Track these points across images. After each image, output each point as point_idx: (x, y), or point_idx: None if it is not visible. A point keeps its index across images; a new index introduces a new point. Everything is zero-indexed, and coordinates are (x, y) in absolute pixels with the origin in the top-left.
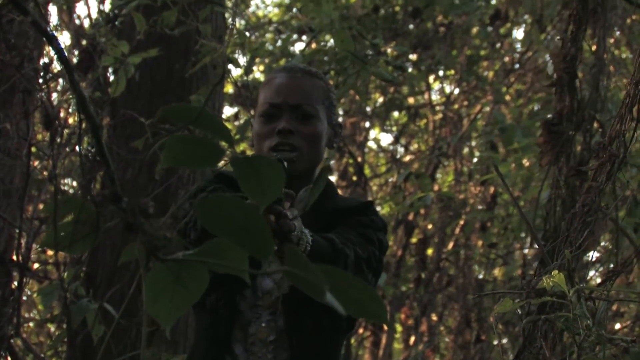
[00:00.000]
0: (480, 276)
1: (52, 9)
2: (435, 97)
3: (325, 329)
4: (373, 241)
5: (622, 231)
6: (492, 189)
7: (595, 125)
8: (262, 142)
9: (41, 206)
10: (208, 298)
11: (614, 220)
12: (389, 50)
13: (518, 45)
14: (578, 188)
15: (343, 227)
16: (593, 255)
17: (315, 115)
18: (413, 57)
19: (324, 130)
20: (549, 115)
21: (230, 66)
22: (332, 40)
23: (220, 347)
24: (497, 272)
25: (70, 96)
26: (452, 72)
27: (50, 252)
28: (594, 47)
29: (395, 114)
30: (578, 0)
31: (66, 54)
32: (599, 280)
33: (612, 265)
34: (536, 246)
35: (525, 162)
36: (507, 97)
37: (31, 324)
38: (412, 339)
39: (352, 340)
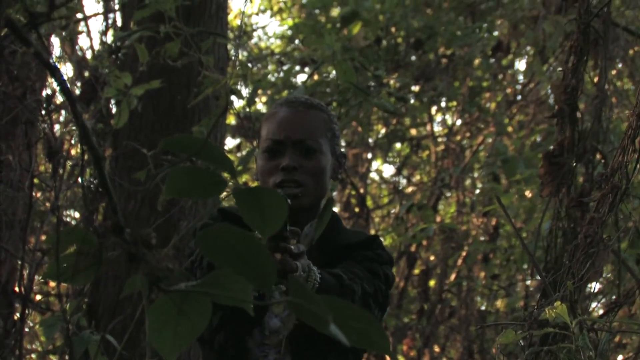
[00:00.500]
0: (483, 307)
1: (55, 41)
2: (437, 128)
3: None
4: (379, 275)
5: (624, 263)
6: (494, 221)
7: (598, 156)
8: (266, 178)
9: (43, 237)
10: (217, 337)
11: (615, 252)
12: (391, 82)
13: (520, 77)
14: (579, 219)
15: (349, 261)
16: (595, 286)
17: (319, 150)
18: (415, 88)
19: (328, 163)
20: (550, 147)
21: (232, 97)
22: (334, 72)
23: None
24: (499, 303)
25: (73, 128)
26: (454, 103)
27: (52, 284)
28: (596, 79)
29: (398, 145)
30: (579, 31)
31: (69, 85)
32: (601, 312)
33: (614, 297)
34: (538, 277)
35: (528, 194)
36: (510, 129)
37: (33, 356)
38: None
39: None
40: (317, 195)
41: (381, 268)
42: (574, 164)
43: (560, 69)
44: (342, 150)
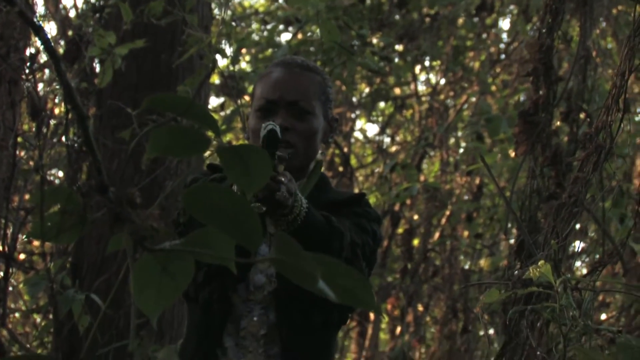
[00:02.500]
0: (467, 266)
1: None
2: (421, 87)
3: (315, 324)
4: (367, 231)
5: (604, 230)
6: (478, 180)
7: (582, 115)
8: (257, 138)
9: (27, 196)
10: (201, 292)
11: (596, 218)
12: (375, 41)
13: (504, 36)
14: (554, 177)
15: (337, 217)
16: (579, 245)
17: (312, 112)
18: (399, 47)
19: (320, 126)
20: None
21: (216, 56)
22: (318, 31)
23: (212, 341)
24: (483, 262)
25: (57, 86)
26: (438, 62)
27: (36, 243)
28: (580, 38)
29: (382, 104)
30: None
31: (53, 44)
32: (585, 271)
33: (598, 256)
34: (513, 235)
35: (511, 153)
36: (493, 88)
37: (17, 315)
38: (398, 329)
39: (339, 332)
40: (307, 157)
41: (369, 224)
42: (557, 123)
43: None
44: (335, 114)
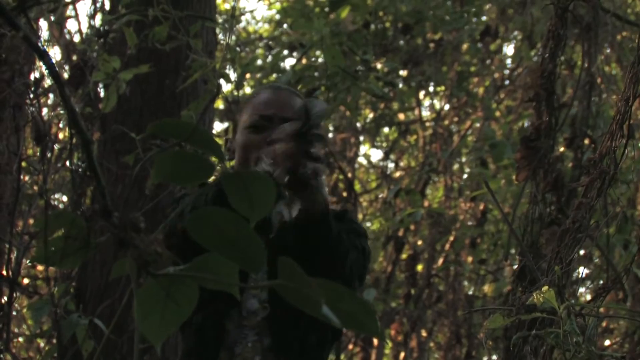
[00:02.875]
0: (470, 292)
1: (43, 24)
2: (425, 113)
3: (312, 346)
4: (357, 247)
5: (607, 258)
6: (482, 205)
7: (587, 141)
8: (249, 153)
9: (31, 221)
10: (194, 317)
11: (599, 246)
12: (379, 66)
13: (508, 62)
14: (556, 203)
15: None
16: (583, 271)
17: None
18: (403, 73)
19: None
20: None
21: (221, 81)
22: (322, 56)
23: None
24: (487, 288)
25: (61, 111)
26: (443, 88)
27: (40, 267)
28: (585, 64)
29: (386, 129)
30: (556, 16)
31: (57, 69)
32: (589, 297)
33: (602, 282)
34: (515, 260)
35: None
36: (497, 113)
37: (21, 339)
38: (402, 355)
39: (342, 357)
40: None
41: (358, 240)
42: (558, 149)
43: (539, 53)
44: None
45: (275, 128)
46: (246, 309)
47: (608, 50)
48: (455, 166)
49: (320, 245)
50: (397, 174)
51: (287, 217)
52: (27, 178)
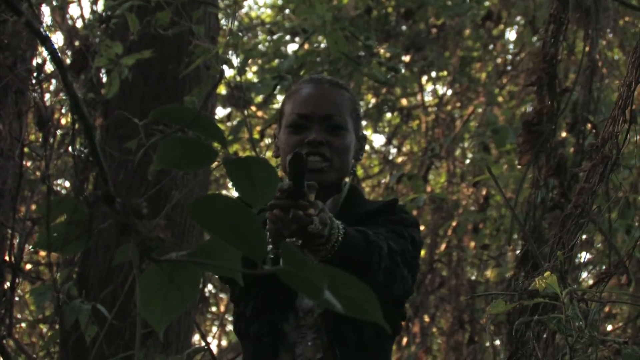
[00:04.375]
0: (473, 277)
1: (45, 10)
2: (427, 98)
3: (369, 339)
4: (405, 237)
5: (610, 242)
6: (484, 191)
7: (589, 126)
8: (289, 153)
9: (34, 207)
10: (251, 327)
11: (602, 230)
12: (381, 52)
13: (511, 47)
14: (558, 187)
15: (372, 226)
16: (585, 256)
17: (345, 127)
18: (406, 58)
19: (352, 142)
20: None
21: (223, 67)
22: (325, 42)
23: None
24: (489, 273)
25: (64, 97)
26: (445, 73)
27: (42, 253)
28: (586, 49)
29: (388, 115)
30: (558, 0)
31: (59, 54)
32: (591, 282)
33: (604, 267)
34: (516, 247)
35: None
36: (500, 99)
37: (23, 325)
38: (405, 340)
39: None
40: (341, 172)
41: (407, 230)
42: (560, 133)
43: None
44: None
45: (314, 128)
46: (302, 309)
47: (610, 35)
48: (458, 151)
49: (348, 261)
50: (400, 160)
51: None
52: (29, 164)
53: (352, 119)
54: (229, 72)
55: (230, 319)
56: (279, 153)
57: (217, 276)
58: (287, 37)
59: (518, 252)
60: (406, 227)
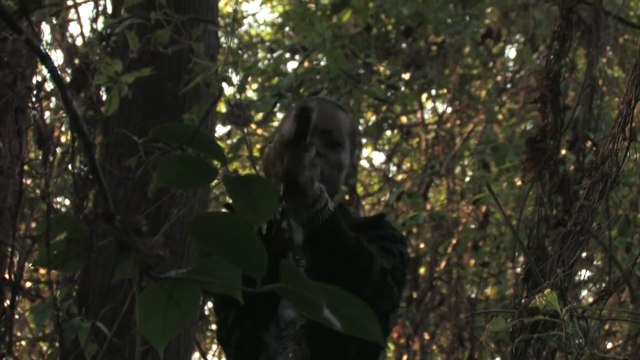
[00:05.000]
0: (473, 295)
1: (45, 28)
2: (427, 116)
3: (351, 356)
4: (394, 254)
5: (612, 257)
6: (484, 208)
7: (589, 144)
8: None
9: (34, 224)
10: (232, 335)
11: (603, 244)
12: (381, 69)
13: (510, 64)
14: (562, 205)
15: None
16: (585, 274)
17: (342, 145)
18: (405, 76)
19: (347, 162)
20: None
21: (223, 85)
22: (324, 59)
23: None
24: (489, 291)
25: (63, 115)
26: (445, 91)
27: (42, 271)
28: (586, 67)
29: (388, 132)
30: (561, 17)
31: (59, 72)
32: (591, 300)
33: (604, 285)
34: (520, 263)
35: (518, 181)
36: (500, 116)
37: (23, 343)
38: (405, 358)
39: None
40: (332, 189)
41: (395, 246)
42: (562, 151)
43: (543, 55)
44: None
45: (314, 139)
46: (284, 320)
47: (610, 53)
48: (458, 169)
49: (335, 250)
50: (400, 177)
51: (298, 240)
52: (29, 181)
53: (350, 141)
54: (228, 90)
55: None
56: (269, 166)
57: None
58: (287, 55)
59: (519, 269)
60: (395, 242)
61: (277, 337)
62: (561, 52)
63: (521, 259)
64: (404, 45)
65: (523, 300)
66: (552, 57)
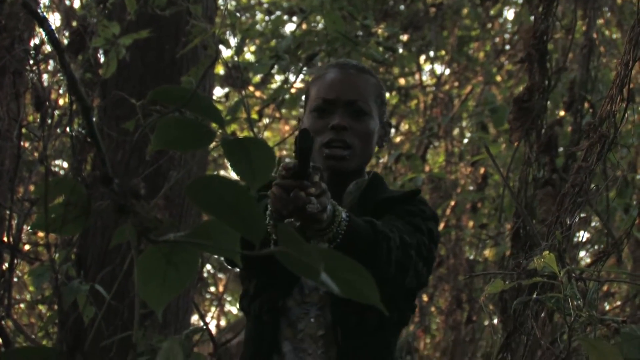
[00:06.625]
0: (471, 257)
1: None
2: (425, 78)
3: (371, 324)
4: (422, 230)
5: (605, 224)
6: (482, 170)
7: (586, 105)
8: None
9: (32, 188)
10: (252, 305)
11: (598, 213)
12: (379, 31)
13: (509, 26)
14: (549, 164)
15: (390, 215)
16: (583, 235)
17: (369, 113)
18: (404, 38)
19: (376, 127)
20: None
21: (220, 47)
22: (322, 21)
23: (268, 347)
24: (487, 252)
25: (61, 77)
26: (443, 53)
27: (41, 234)
28: (584, 28)
29: (386, 94)
30: None
31: (57, 35)
32: (589, 261)
33: (602, 246)
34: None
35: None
36: (498, 78)
37: (22, 306)
38: None
39: None
40: (363, 158)
41: (424, 223)
42: (559, 113)
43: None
44: (388, 119)
45: (337, 113)
46: (307, 286)
47: (608, 14)
48: (456, 131)
49: (356, 250)
50: (398, 139)
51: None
52: (27, 144)
53: (376, 105)
54: (226, 52)
55: (228, 299)
56: None
57: (221, 258)
58: (285, 17)
59: (513, 228)
60: (424, 220)
61: (301, 302)
62: (548, 11)
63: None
64: (402, 7)
65: (520, 262)
66: (539, 16)
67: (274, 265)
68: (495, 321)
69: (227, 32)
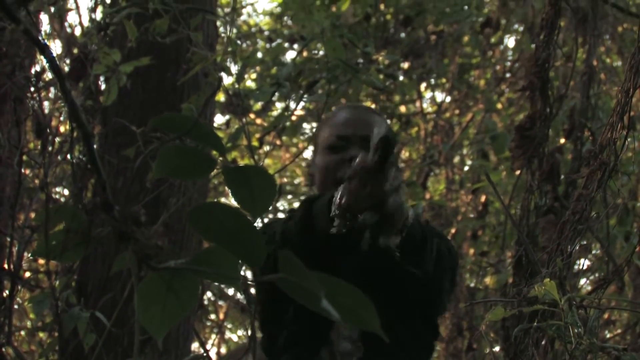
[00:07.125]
0: (472, 284)
1: (44, 17)
2: (426, 105)
3: None
4: (445, 250)
5: (606, 250)
6: (483, 197)
7: (586, 133)
8: (330, 174)
9: (32, 215)
10: (282, 357)
11: (599, 239)
12: (380, 59)
13: (509, 54)
14: (551, 192)
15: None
16: (584, 263)
17: None
18: (404, 65)
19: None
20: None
21: (222, 74)
22: (323, 49)
23: None
24: (488, 280)
25: (62, 104)
26: (444, 80)
27: (41, 261)
28: (584, 55)
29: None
30: (549, 4)
31: (58, 62)
32: (590, 289)
33: (602, 274)
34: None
35: (517, 171)
36: (499, 105)
37: (22, 333)
38: None
39: None
40: None
41: (444, 242)
42: (556, 139)
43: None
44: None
45: (354, 148)
46: (340, 351)
47: (609, 42)
48: (457, 158)
49: (415, 252)
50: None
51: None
52: (28, 171)
53: None
54: (227, 80)
55: (229, 326)
56: (314, 180)
57: (222, 285)
58: (286, 45)
59: (515, 257)
60: (442, 239)
61: None
62: (550, 39)
63: (514, 246)
64: (402, 34)
65: (522, 290)
66: (541, 44)
67: (306, 315)
68: (496, 349)
69: (228, 60)
